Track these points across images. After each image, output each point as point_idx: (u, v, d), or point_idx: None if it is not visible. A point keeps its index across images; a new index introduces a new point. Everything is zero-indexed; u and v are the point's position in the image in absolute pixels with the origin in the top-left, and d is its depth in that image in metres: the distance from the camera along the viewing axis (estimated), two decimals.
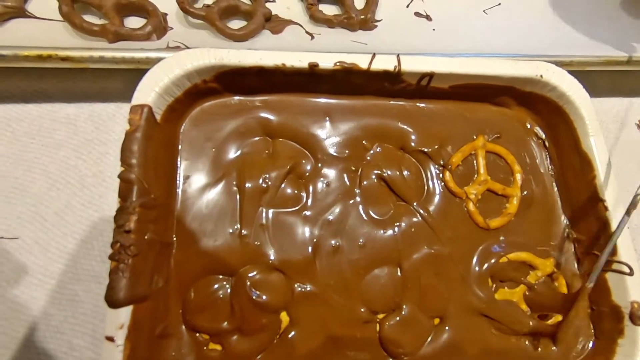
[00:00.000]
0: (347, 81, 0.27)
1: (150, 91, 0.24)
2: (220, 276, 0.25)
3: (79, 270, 0.25)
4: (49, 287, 0.24)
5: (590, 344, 0.26)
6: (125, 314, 0.20)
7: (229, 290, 0.24)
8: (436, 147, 0.29)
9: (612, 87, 0.36)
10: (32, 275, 0.24)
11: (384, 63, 0.27)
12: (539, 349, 0.26)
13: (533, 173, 0.30)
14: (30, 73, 0.27)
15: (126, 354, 0.20)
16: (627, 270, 0.25)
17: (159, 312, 0.23)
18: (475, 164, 0.29)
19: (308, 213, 0.26)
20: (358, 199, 0.27)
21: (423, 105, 0.30)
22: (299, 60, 0.26)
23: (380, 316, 0.25)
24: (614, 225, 0.26)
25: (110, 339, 0.20)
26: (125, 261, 0.21)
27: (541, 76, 0.28)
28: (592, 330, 0.26)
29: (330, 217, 0.26)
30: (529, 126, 0.31)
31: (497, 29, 0.33)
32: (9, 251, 0.24)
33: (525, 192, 0.29)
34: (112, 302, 0.20)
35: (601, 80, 0.35)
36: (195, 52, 0.25)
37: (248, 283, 0.24)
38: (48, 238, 0.25)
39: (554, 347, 0.25)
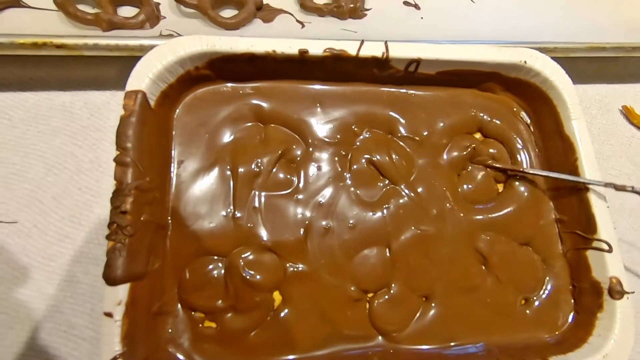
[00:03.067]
0: (336, 68, 0.28)
1: (144, 77, 0.24)
2: (215, 257, 0.25)
3: (77, 252, 0.25)
4: (48, 269, 0.25)
5: (571, 318, 0.27)
6: (122, 291, 0.21)
7: (222, 271, 0.25)
8: (425, 133, 0.30)
9: (597, 74, 0.36)
10: (31, 258, 0.25)
11: (372, 49, 0.27)
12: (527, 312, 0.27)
13: (521, 158, 0.31)
14: (27, 61, 0.28)
15: (124, 329, 0.21)
16: (606, 247, 0.26)
17: (155, 291, 0.24)
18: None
19: (299, 196, 0.27)
20: (348, 182, 0.28)
21: (412, 91, 0.31)
22: (289, 46, 0.26)
23: (370, 295, 0.26)
24: (593, 205, 0.27)
25: (108, 314, 0.21)
26: (122, 241, 0.22)
27: (525, 62, 0.29)
28: (573, 305, 0.28)
29: (321, 200, 0.27)
30: (515, 111, 0.32)
31: (484, 16, 0.34)
32: (9, 235, 0.25)
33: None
34: (110, 279, 0.21)
35: (586, 67, 0.36)
36: (188, 39, 0.25)
37: (241, 263, 0.25)
38: (46, 222, 0.26)
39: None
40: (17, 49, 0.24)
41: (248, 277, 0.25)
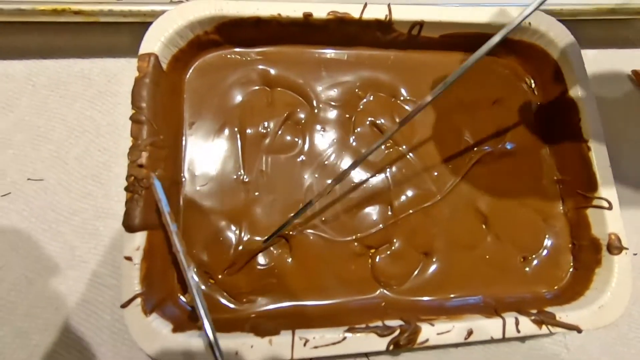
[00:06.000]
0: (341, 31, 0.29)
1: (156, 41, 0.25)
2: (223, 218, 0.27)
3: (98, 208, 0.27)
4: (74, 222, 0.27)
5: (569, 275, 0.28)
6: (140, 238, 0.23)
7: (233, 232, 0.26)
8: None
9: (607, 38, 0.36)
10: (57, 213, 0.27)
11: (376, 12, 0.28)
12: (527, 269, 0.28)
13: (525, 120, 0.31)
14: (47, 30, 0.29)
15: (142, 272, 0.22)
16: (606, 205, 0.27)
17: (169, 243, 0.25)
18: None
19: (304, 158, 0.28)
20: (353, 143, 0.29)
21: (416, 55, 0.31)
22: (293, 10, 0.27)
23: (373, 250, 0.28)
24: (595, 163, 0.27)
25: (128, 258, 0.22)
26: (139, 192, 0.23)
27: (529, 23, 0.29)
28: (572, 263, 0.28)
29: (326, 162, 0.28)
30: (519, 73, 0.32)
31: None
32: (37, 191, 0.27)
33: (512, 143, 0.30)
34: (129, 227, 0.23)
35: (596, 31, 0.36)
36: (196, 3, 0.26)
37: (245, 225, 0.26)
38: (70, 180, 0.27)
39: None
40: (39, 15, 0.26)
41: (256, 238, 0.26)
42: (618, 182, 0.30)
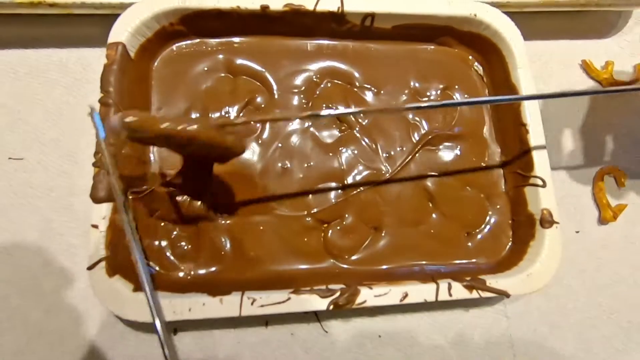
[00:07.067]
0: (299, 22, 0.31)
1: (124, 31, 0.28)
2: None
3: (73, 185, 0.30)
4: (50, 198, 0.29)
5: (507, 248, 0.30)
6: (106, 208, 0.25)
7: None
8: (382, 84, 0.32)
9: (558, 30, 0.38)
10: (35, 189, 0.29)
11: (329, 4, 0.30)
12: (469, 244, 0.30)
13: (474, 107, 0.33)
14: (28, 22, 0.32)
15: (108, 239, 0.25)
16: (540, 183, 0.29)
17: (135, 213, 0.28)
18: None
19: (261, 141, 0.31)
20: (310, 128, 0.31)
21: (371, 45, 0.33)
22: (251, 2, 0.29)
23: (325, 225, 0.30)
24: (531, 144, 0.29)
25: (95, 226, 0.25)
26: (105, 168, 0.26)
27: (475, 15, 0.31)
28: (511, 237, 0.30)
29: (281, 144, 0.31)
30: (469, 62, 0.34)
31: None
32: (17, 169, 0.30)
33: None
34: (95, 198, 0.25)
35: (547, 22, 0.37)
36: None
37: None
38: (47, 159, 0.30)
39: None
40: (16, 7, 0.28)
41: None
42: (564, 163, 0.32)
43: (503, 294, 0.26)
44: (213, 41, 0.32)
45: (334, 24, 0.31)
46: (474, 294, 0.26)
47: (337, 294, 0.25)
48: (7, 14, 0.29)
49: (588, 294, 0.32)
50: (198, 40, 0.31)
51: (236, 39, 0.32)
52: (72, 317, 0.28)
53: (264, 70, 0.32)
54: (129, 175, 0.27)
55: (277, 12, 0.30)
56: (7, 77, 0.31)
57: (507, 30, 0.31)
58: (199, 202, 0.28)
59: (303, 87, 0.32)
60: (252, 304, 0.24)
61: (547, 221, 0.28)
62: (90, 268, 0.24)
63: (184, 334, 0.28)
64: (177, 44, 0.31)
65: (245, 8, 0.29)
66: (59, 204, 0.29)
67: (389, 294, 0.25)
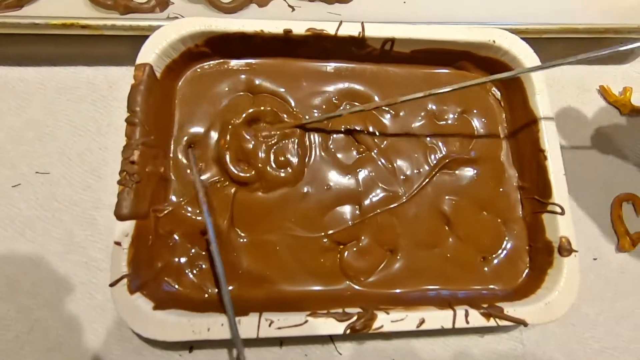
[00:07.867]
0: (319, 46, 0.32)
1: (151, 53, 0.29)
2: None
3: (96, 200, 0.30)
4: (74, 212, 0.30)
5: (525, 275, 0.30)
6: (129, 225, 0.26)
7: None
8: (400, 111, 0.33)
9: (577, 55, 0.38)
10: (60, 202, 0.30)
11: (350, 29, 0.31)
12: (485, 269, 0.30)
13: (490, 130, 0.33)
14: (58, 41, 0.33)
15: (130, 256, 0.25)
16: (559, 210, 0.29)
17: (156, 231, 0.28)
18: None
19: None
20: (331, 147, 0.32)
21: (390, 69, 0.34)
22: (275, 27, 0.30)
23: (341, 246, 0.30)
24: (550, 171, 0.29)
25: (118, 243, 0.25)
26: (130, 185, 0.26)
27: (494, 41, 0.32)
28: (528, 264, 0.30)
29: (307, 162, 0.31)
30: (487, 87, 0.34)
31: (463, 1, 0.36)
32: (43, 183, 0.30)
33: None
34: (119, 215, 0.26)
35: (565, 48, 0.38)
36: (188, 20, 0.29)
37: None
38: (72, 174, 0.31)
39: None
40: (50, 28, 0.29)
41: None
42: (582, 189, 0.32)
43: (521, 323, 0.26)
44: (235, 62, 0.32)
45: (354, 48, 0.32)
46: (492, 322, 0.26)
47: (354, 318, 0.25)
48: (39, 34, 0.31)
49: (606, 323, 0.32)
50: (221, 60, 0.32)
51: (258, 60, 0.33)
52: (90, 330, 0.28)
53: (284, 90, 0.32)
54: (151, 194, 0.28)
55: (300, 36, 0.30)
56: (36, 93, 0.32)
57: (525, 56, 0.32)
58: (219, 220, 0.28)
59: (322, 108, 0.32)
60: (269, 325, 0.24)
61: (566, 249, 0.28)
62: (112, 285, 0.25)
63: (199, 352, 0.28)
64: (200, 65, 0.32)
65: (269, 32, 0.30)
66: (82, 218, 0.30)
67: (405, 319, 0.25)
